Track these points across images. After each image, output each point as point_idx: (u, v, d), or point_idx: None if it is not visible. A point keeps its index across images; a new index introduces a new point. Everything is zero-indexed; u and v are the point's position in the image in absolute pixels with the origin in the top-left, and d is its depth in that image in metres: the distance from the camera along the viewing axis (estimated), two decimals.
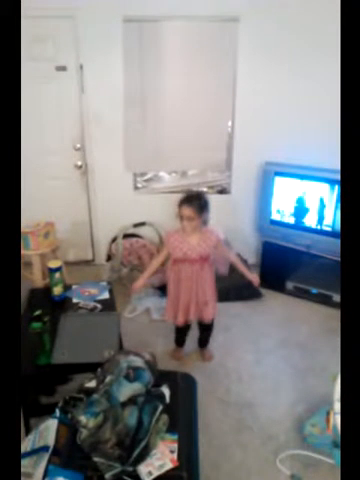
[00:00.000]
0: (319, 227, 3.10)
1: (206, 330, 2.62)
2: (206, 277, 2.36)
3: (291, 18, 3.11)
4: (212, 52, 3.24)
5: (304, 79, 3.26)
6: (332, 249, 2.94)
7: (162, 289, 2.98)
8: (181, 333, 2.63)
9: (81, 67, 3.23)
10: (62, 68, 3.25)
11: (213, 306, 2.44)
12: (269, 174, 3.21)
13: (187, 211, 2.20)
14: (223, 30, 3.17)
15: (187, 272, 2.33)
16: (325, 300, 3.23)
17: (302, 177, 3.08)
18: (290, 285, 3.40)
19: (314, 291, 3.31)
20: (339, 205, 2.80)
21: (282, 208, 3.24)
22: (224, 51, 3.23)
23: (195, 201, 2.21)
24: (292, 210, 3.19)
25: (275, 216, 3.28)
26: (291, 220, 3.22)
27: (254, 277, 2.46)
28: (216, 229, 2.35)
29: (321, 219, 3.07)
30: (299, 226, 3.19)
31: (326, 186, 2.98)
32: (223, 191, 3.69)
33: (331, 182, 2.93)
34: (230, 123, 3.45)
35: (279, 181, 3.17)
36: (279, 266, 3.39)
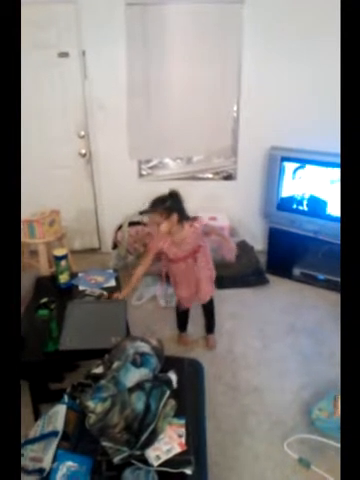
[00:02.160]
0: (326, 213, 3.06)
1: (208, 310, 2.63)
2: (201, 266, 2.37)
3: (296, 0, 3.04)
4: (216, 35, 3.18)
5: (310, 62, 3.20)
6: (339, 235, 2.90)
7: (169, 276, 2.98)
8: (181, 316, 2.66)
9: (83, 53, 3.19)
10: (64, 54, 3.21)
11: (206, 285, 2.44)
12: (275, 159, 3.16)
13: (153, 218, 2.20)
14: (227, 12, 3.10)
15: (181, 269, 2.35)
16: (332, 286, 3.21)
17: (309, 162, 3.03)
18: (297, 271, 3.38)
19: (321, 277, 3.29)
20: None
21: (289, 193, 3.20)
22: (229, 34, 3.17)
23: (158, 205, 2.17)
24: (299, 196, 3.16)
25: (282, 202, 3.25)
26: (298, 206, 3.19)
27: (230, 248, 2.40)
28: (199, 218, 2.31)
29: (328, 204, 3.04)
30: (306, 212, 3.15)
31: (333, 171, 2.93)
32: (229, 177, 3.65)
33: (338, 166, 2.88)
34: (235, 108, 3.40)
35: (287, 166, 3.13)
36: (286, 252, 3.37)
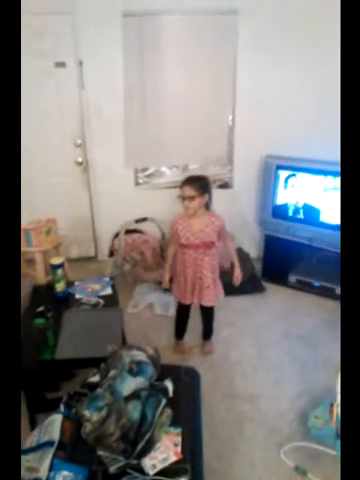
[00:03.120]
0: (321, 220, 3.09)
1: (207, 317, 2.64)
2: (209, 263, 2.38)
3: (291, 10, 3.09)
4: (212, 45, 3.22)
5: (304, 71, 3.24)
6: (334, 242, 2.92)
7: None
8: (180, 323, 2.65)
9: (80, 63, 3.22)
10: (61, 64, 3.24)
11: (214, 289, 2.46)
12: (270, 167, 3.20)
13: (187, 190, 2.26)
14: (223, 23, 3.15)
15: (190, 257, 2.37)
16: (328, 293, 3.23)
17: (304, 170, 3.07)
18: (293, 278, 3.40)
19: (316, 284, 3.30)
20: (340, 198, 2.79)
21: (284, 201, 3.23)
22: (224, 44, 3.21)
23: (195, 181, 2.28)
24: (294, 203, 3.18)
25: (277, 209, 3.27)
26: (293, 213, 3.21)
27: (237, 276, 2.50)
28: (221, 216, 2.39)
29: (321, 212, 3.06)
30: (301, 219, 3.18)
31: (327, 178, 2.96)
32: (225, 185, 3.67)
33: (332, 174, 2.92)
34: (231, 117, 3.44)
35: (282, 174, 3.16)
36: (281, 259, 3.39)
